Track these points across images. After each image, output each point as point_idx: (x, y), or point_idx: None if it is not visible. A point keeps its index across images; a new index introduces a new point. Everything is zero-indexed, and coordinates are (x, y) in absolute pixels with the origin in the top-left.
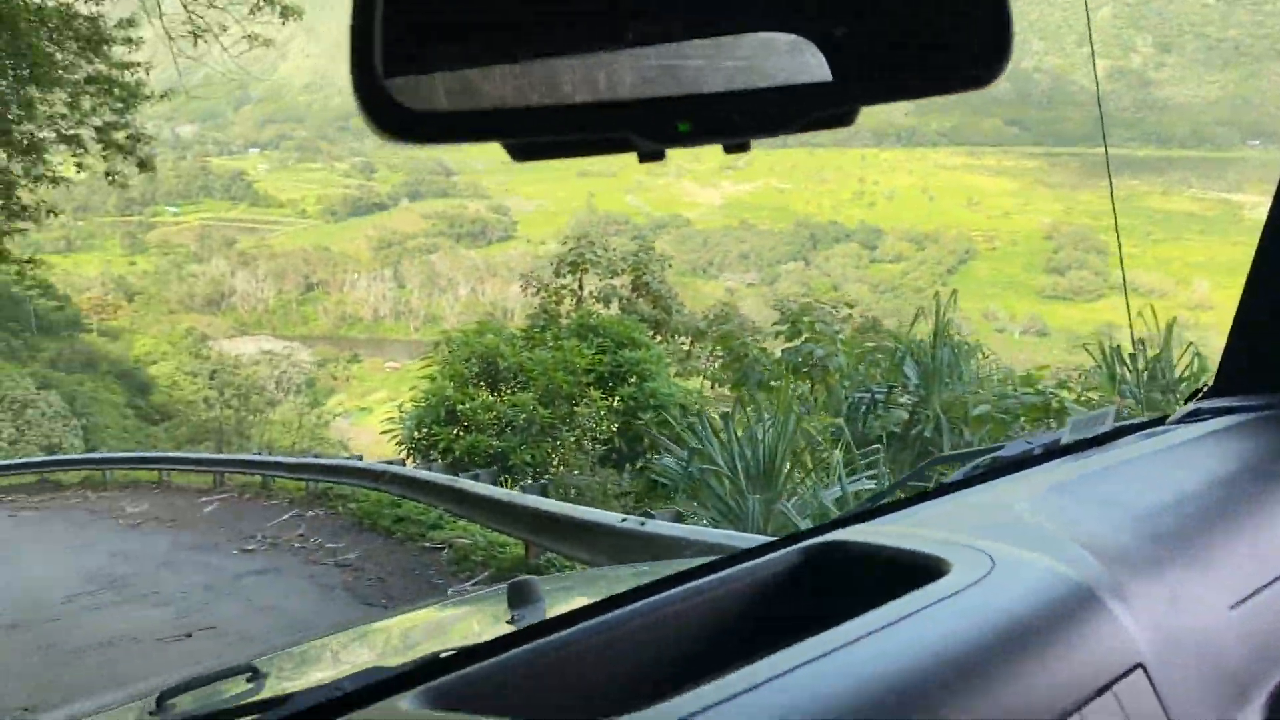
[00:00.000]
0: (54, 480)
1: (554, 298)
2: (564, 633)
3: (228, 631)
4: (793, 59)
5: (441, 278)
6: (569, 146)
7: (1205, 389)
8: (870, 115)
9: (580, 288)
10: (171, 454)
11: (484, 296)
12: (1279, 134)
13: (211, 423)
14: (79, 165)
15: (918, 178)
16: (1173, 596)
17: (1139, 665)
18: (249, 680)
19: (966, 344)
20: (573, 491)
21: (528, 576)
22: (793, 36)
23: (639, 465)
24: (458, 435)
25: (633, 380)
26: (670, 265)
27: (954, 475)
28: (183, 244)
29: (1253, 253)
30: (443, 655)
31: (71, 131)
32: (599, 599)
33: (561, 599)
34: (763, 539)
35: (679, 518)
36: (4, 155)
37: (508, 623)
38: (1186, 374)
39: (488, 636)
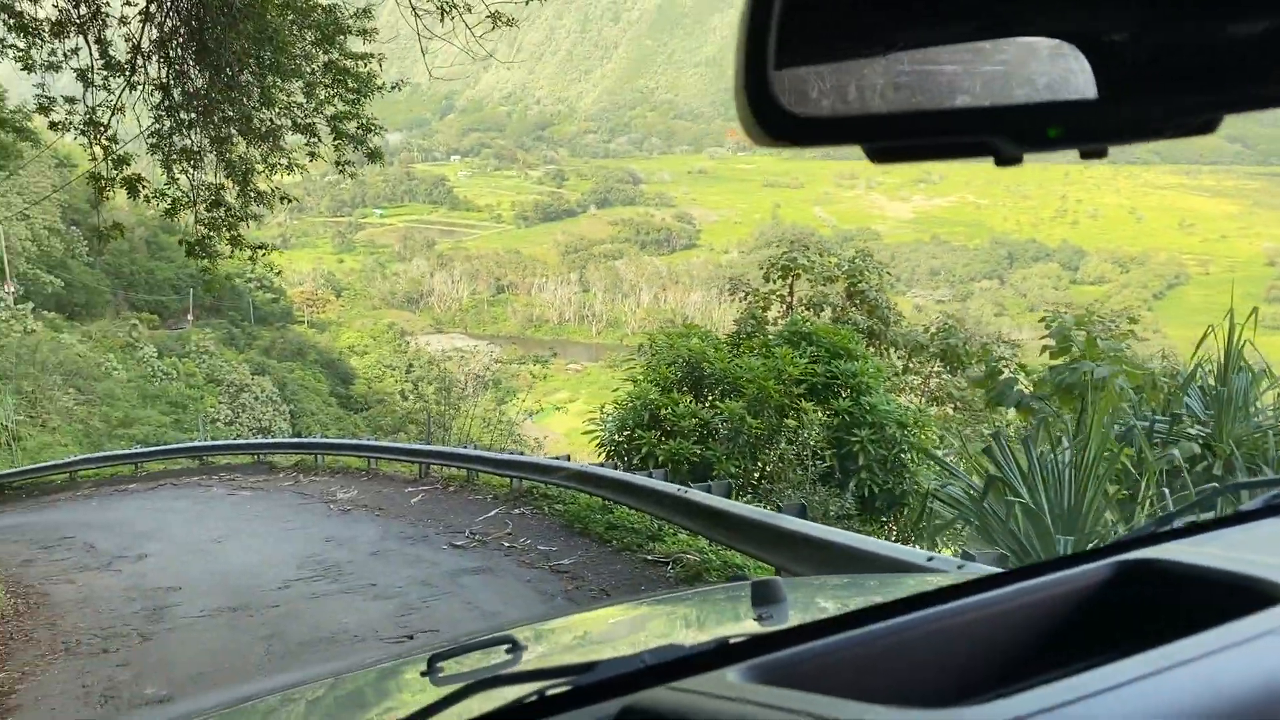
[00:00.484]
0: (269, 461)
1: (762, 303)
2: (878, 625)
3: (452, 636)
4: (1161, 65)
5: (625, 283)
6: (929, 150)
7: None
8: None
9: (790, 293)
10: (382, 443)
11: (665, 303)
12: None
13: (416, 414)
14: (312, 154)
15: (1125, 196)
16: None
17: None
18: (508, 651)
19: (1251, 370)
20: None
21: (773, 577)
22: (1162, 41)
23: (851, 484)
24: (660, 440)
25: (847, 393)
26: (890, 274)
27: (1254, 502)
28: (387, 244)
29: None
30: (734, 640)
31: (307, 120)
32: (895, 599)
33: (803, 603)
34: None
35: (965, 558)
36: (243, 142)
37: (755, 620)
38: None
39: (732, 630)
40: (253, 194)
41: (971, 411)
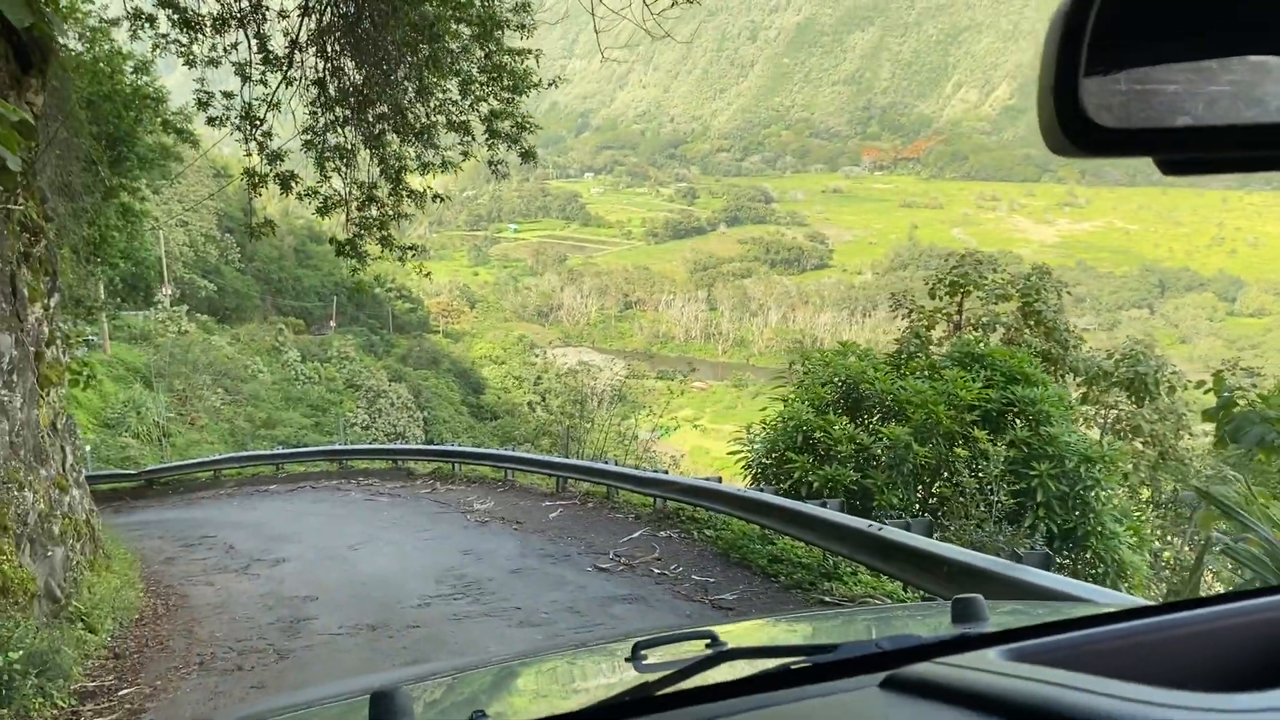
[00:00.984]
0: (406, 468)
1: (926, 321)
2: (1136, 622)
3: None
4: None
5: (753, 302)
6: (1225, 163)
7: None
8: None
9: (959, 312)
10: (520, 454)
11: (793, 323)
12: None
13: (549, 425)
14: (465, 153)
15: None
16: None
17: None
18: (708, 645)
19: None
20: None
21: (976, 595)
22: None
23: (1026, 522)
24: (813, 464)
25: (1024, 422)
26: (1069, 293)
27: None
28: (520, 258)
29: None
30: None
31: (461, 118)
32: (1154, 604)
33: (1007, 625)
34: None
35: None
36: (397, 139)
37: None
38: None
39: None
40: (405, 192)
41: (1163, 447)
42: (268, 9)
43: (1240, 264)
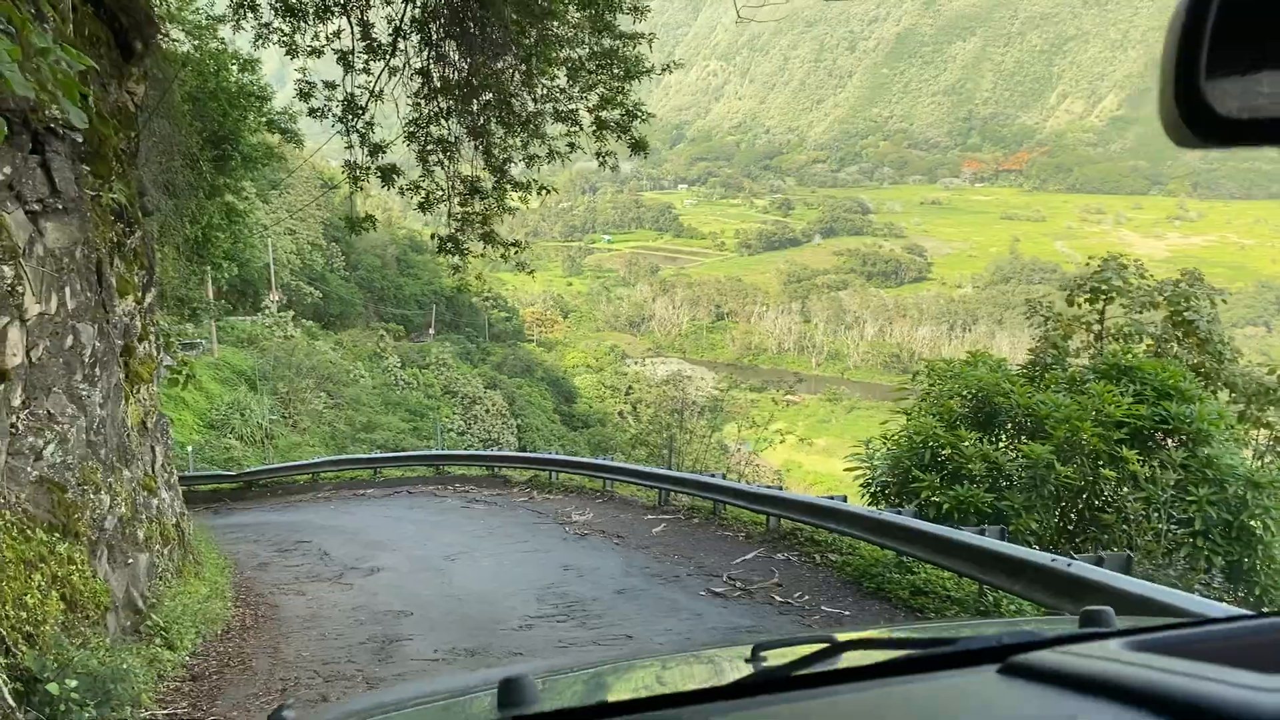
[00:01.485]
0: (503, 475)
1: (1063, 330)
2: (1264, 621)
3: None
4: None
5: (848, 315)
6: None
7: None
8: None
9: (1100, 320)
10: (620, 464)
11: (890, 336)
12: None
13: (646, 435)
14: (571, 144)
15: None
16: None
17: None
18: (827, 650)
19: None
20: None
21: (1105, 607)
22: None
23: (1183, 552)
24: (942, 484)
25: (1177, 442)
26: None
27: None
28: (613, 269)
29: None
30: (1098, 628)
31: (570, 107)
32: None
33: None
34: None
35: None
36: (501, 130)
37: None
38: None
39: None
40: (509, 184)
41: None
42: None
43: None
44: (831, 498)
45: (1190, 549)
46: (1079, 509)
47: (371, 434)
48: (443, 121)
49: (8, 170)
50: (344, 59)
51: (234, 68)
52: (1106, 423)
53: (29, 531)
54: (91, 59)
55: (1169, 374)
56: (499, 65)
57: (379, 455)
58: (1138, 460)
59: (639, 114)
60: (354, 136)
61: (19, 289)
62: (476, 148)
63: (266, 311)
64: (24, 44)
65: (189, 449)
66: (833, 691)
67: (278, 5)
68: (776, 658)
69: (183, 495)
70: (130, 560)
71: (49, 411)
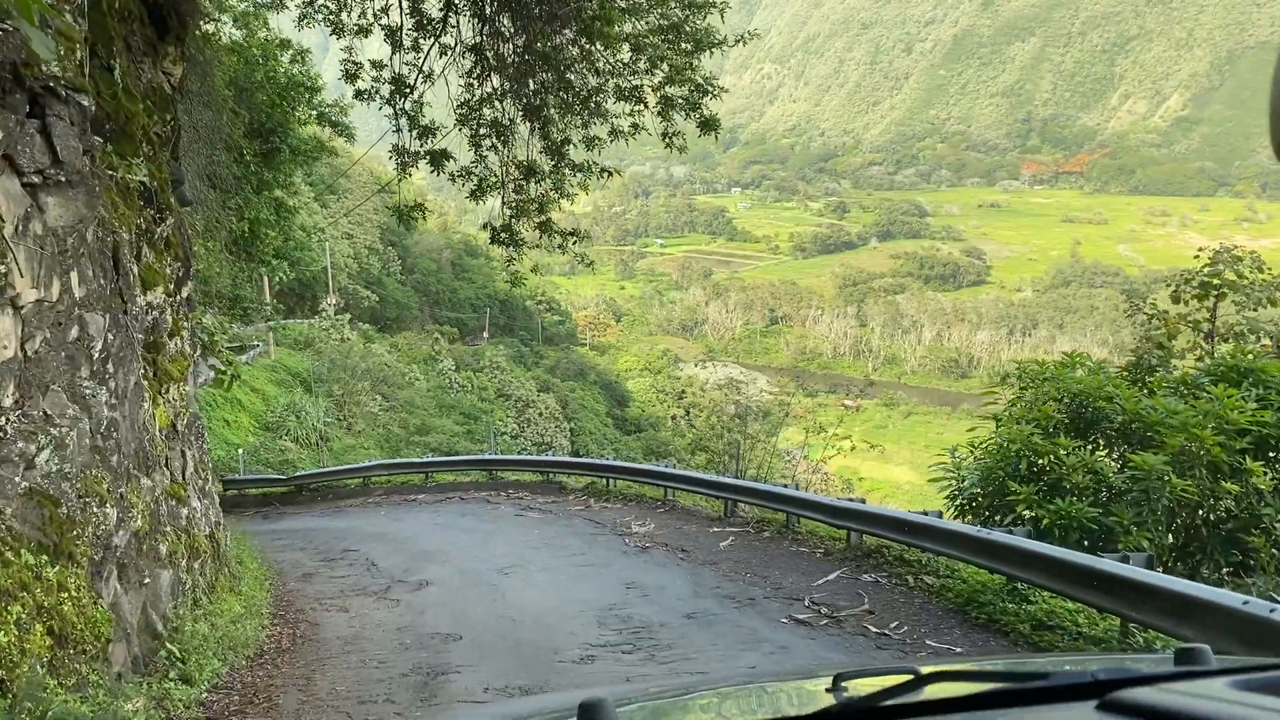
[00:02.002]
0: (558, 481)
1: (1168, 329)
2: None
3: None
4: None
5: (905, 319)
6: None
7: None
8: None
9: (1212, 318)
10: (684, 471)
11: (948, 341)
12: None
13: (706, 440)
14: (635, 125)
15: None
16: None
17: None
18: (912, 681)
19: None
20: None
21: (1201, 645)
22: None
23: None
24: (1040, 497)
25: None
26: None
27: None
28: (666, 273)
29: None
30: (1198, 667)
31: (633, 83)
32: None
33: None
34: None
35: None
36: (559, 111)
37: None
38: None
39: None
40: (568, 167)
41: None
42: None
43: None
44: (925, 513)
45: None
46: (1193, 526)
47: (425, 437)
48: (496, 104)
49: None
50: (392, 36)
51: (284, 57)
52: (1228, 430)
53: (10, 554)
54: (123, 33)
55: None
56: (557, 40)
57: (431, 459)
58: (1262, 472)
59: (710, 89)
60: (402, 120)
61: (4, 269)
62: (532, 130)
63: (323, 314)
64: None
65: (240, 451)
66: None
67: None
68: (859, 688)
69: (231, 499)
70: (148, 580)
71: (45, 412)
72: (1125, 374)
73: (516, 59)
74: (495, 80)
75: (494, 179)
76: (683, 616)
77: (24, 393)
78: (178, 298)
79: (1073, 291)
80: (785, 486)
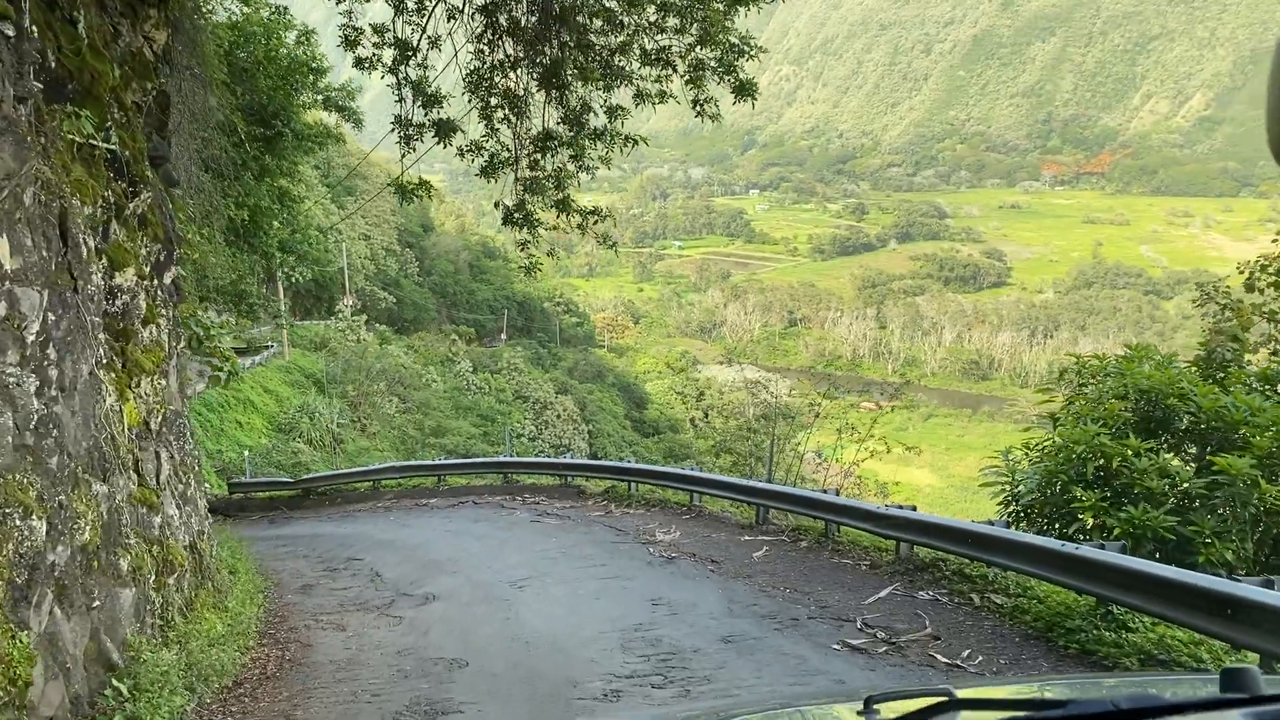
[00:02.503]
0: (576, 485)
1: (1242, 320)
2: None
3: None
4: None
5: (925, 320)
6: None
7: None
8: None
9: None
10: (711, 475)
11: (968, 342)
12: None
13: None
14: (663, 92)
15: None
16: None
17: None
18: (944, 704)
19: None
20: None
21: (1249, 665)
22: None
23: None
24: (1109, 503)
25: None
26: None
27: None
28: (684, 275)
29: None
30: (1223, 695)
31: (660, 44)
32: None
33: None
34: None
35: None
36: (579, 78)
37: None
38: None
39: None
40: (588, 136)
41: None
42: None
43: None
44: (991, 523)
45: None
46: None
47: (441, 439)
48: (510, 72)
49: None
50: None
51: (288, 37)
52: None
53: None
54: None
55: None
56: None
57: (444, 461)
58: None
59: (746, 49)
60: (406, 90)
61: None
62: (549, 99)
63: (340, 315)
64: None
65: (247, 453)
66: None
67: None
68: (891, 711)
69: (237, 503)
70: (99, 602)
71: None
72: (1195, 368)
73: (531, 20)
74: (509, 45)
75: (506, 154)
76: (718, 640)
77: None
78: (155, 282)
79: (1095, 293)
80: (825, 492)
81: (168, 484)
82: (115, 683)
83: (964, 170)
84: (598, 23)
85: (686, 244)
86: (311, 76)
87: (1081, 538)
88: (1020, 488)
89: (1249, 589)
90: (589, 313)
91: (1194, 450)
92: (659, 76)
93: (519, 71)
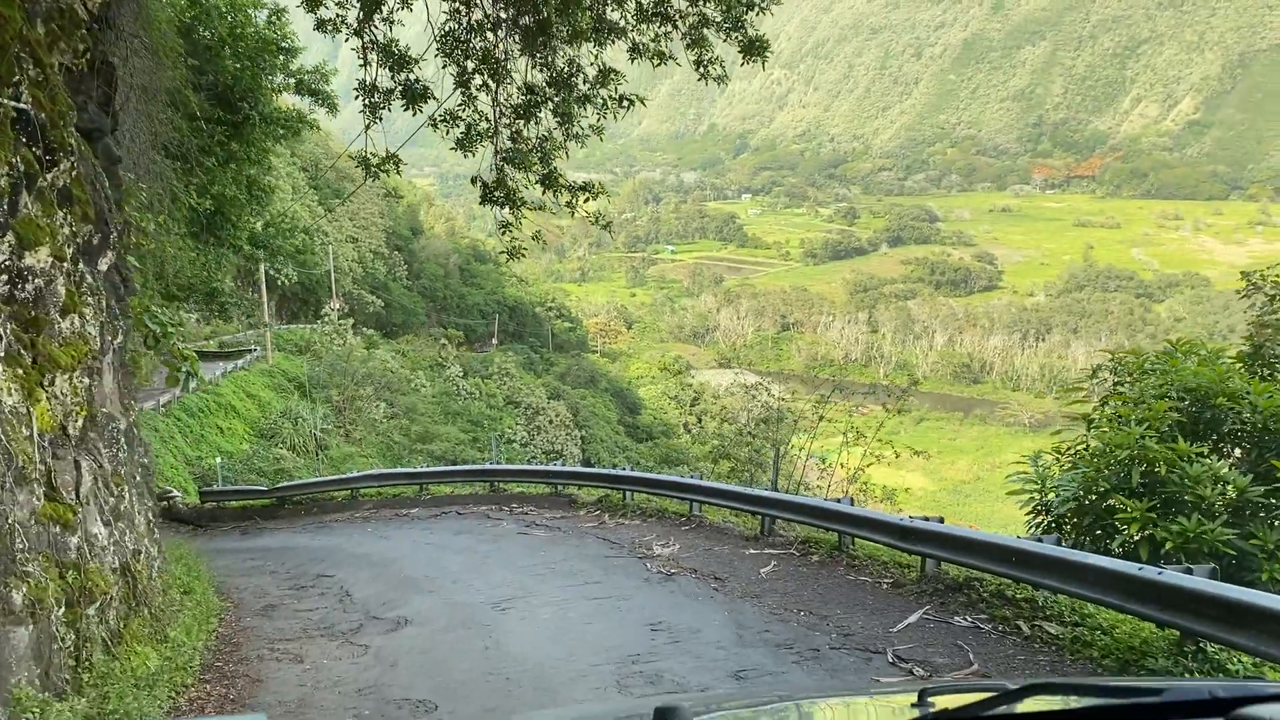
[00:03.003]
0: (568, 494)
1: None
2: None
3: None
4: None
5: (917, 324)
6: None
7: None
8: None
9: None
10: (713, 484)
11: (960, 346)
12: None
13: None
14: (662, 53)
15: None
16: None
17: None
18: (1009, 694)
19: None
20: None
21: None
22: None
23: None
24: (1156, 514)
25: None
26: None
27: None
28: (677, 279)
29: None
30: None
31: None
32: None
33: None
34: None
35: None
36: (565, 34)
37: None
38: None
39: None
40: (576, 101)
41: None
42: None
43: None
44: (1040, 539)
45: None
46: None
47: (429, 445)
48: (488, 34)
49: None
50: None
51: (257, 17)
52: None
53: None
54: None
55: None
56: None
57: (425, 469)
58: None
59: (756, 2)
60: (373, 55)
61: None
62: (533, 62)
63: (326, 319)
64: None
65: (219, 460)
66: None
67: None
68: (942, 702)
69: (209, 512)
70: None
71: None
72: (1240, 364)
73: None
74: (487, 3)
75: (485, 124)
76: (729, 677)
77: None
78: (81, 267)
79: (1086, 296)
80: (838, 500)
81: (91, 498)
82: None
83: (955, 174)
84: None
85: (679, 248)
86: (282, 57)
87: (1194, 565)
88: (1052, 496)
89: None
90: (581, 318)
91: (1242, 454)
92: (657, 35)
93: (499, 32)
